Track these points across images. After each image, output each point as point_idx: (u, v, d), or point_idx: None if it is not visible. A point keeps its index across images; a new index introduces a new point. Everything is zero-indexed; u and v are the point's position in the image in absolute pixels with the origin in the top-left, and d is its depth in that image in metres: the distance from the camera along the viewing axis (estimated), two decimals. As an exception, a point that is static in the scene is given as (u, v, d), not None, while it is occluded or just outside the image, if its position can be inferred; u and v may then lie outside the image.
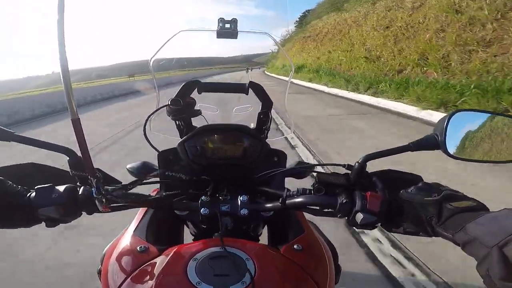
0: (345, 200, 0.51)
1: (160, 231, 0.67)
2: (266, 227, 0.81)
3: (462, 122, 0.57)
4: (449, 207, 0.44)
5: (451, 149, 0.55)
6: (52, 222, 0.52)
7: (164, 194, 0.68)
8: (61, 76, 0.38)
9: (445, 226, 0.44)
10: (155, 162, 0.77)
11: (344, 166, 0.60)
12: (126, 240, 0.63)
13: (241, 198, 0.62)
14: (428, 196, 0.47)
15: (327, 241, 0.73)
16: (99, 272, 0.65)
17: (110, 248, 0.64)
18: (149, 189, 0.75)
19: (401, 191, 0.51)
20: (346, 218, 0.52)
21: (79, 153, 0.46)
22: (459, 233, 0.42)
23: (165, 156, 0.70)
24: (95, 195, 0.49)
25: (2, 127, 0.54)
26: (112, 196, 0.49)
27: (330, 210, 0.54)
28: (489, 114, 0.61)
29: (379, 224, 0.52)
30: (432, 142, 0.54)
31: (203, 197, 0.61)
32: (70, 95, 0.39)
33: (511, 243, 0.35)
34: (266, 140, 0.75)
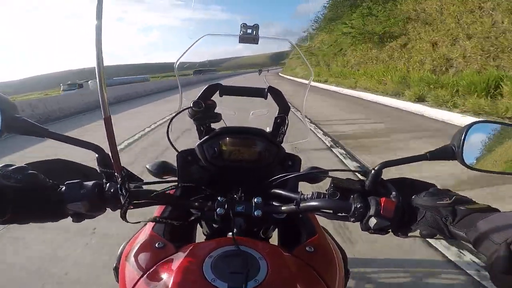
0: (359, 205, 0.52)
1: (176, 229, 0.69)
2: (276, 230, 0.82)
3: (480, 134, 0.58)
4: (462, 209, 0.46)
5: (468, 160, 0.55)
6: (78, 217, 0.54)
7: (182, 193, 0.70)
8: (97, 78, 0.41)
9: (459, 226, 0.45)
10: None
11: (359, 172, 0.60)
12: (144, 236, 0.65)
13: (255, 199, 0.63)
14: (440, 200, 0.48)
15: (338, 245, 0.74)
16: (116, 269, 0.67)
17: (128, 245, 0.66)
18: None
19: (414, 197, 0.52)
20: (360, 222, 0.53)
21: (106, 151, 0.48)
22: (470, 231, 0.43)
23: (183, 156, 0.73)
24: (120, 192, 0.51)
25: (38, 124, 0.57)
26: (136, 194, 0.51)
27: (344, 214, 0.55)
28: (507, 126, 0.61)
29: (391, 229, 0.52)
30: (449, 152, 0.55)
31: (219, 198, 0.63)
32: (104, 95, 0.42)
33: None
34: (282, 144, 0.77)
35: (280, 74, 39.79)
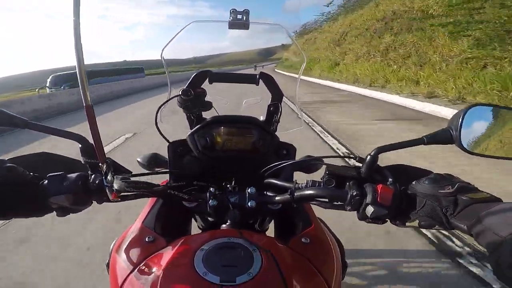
0: (355, 193, 0.50)
1: (168, 222, 0.68)
2: (272, 222, 0.81)
3: (477, 117, 0.56)
4: (464, 199, 0.44)
5: (466, 144, 0.54)
6: (63, 211, 0.52)
7: (173, 185, 0.68)
8: (76, 66, 0.39)
9: (460, 217, 0.44)
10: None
11: (354, 158, 0.59)
12: (134, 230, 0.63)
13: (249, 190, 0.62)
14: (442, 188, 0.46)
15: (335, 237, 0.72)
16: (108, 265, 0.66)
17: (119, 239, 0.64)
18: (159, 181, 0.76)
19: (414, 182, 0.50)
20: (356, 211, 0.52)
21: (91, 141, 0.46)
22: (472, 223, 0.41)
23: (175, 147, 0.71)
24: (105, 183, 0.49)
25: (17, 115, 0.54)
26: (122, 185, 0.49)
27: (339, 203, 0.53)
28: (505, 109, 0.60)
29: (389, 218, 0.51)
30: (447, 136, 0.53)
31: (211, 189, 0.61)
32: (84, 83, 0.40)
33: None
34: (276, 133, 0.75)
35: (276, 70, 37.91)
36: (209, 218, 0.73)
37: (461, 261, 1.71)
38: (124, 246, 0.59)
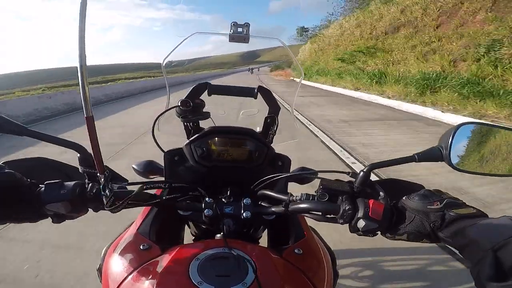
0: (348, 207, 0.52)
1: (163, 230, 0.68)
2: (266, 230, 0.82)
3: (467, 135, 0.58)
4: (451, 214, 0.46)
5: (456, 162, 0.55)
6: (58, 218, 0.52)
7: (168, 194, 0.69)
8: (78, 75, 0.40)
9: (446, 232, 0.45)
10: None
11: (348, 173, 0.60)
12: (129, 237, 0.63)
13: (244, 201, 0.63)
14: (431, 204, 0.48)
15: (326, 246, 0.74)
16: (99, 269, 0.65)
17: (112, 245, 0.64)
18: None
19: (404, 198, 0.52)
20: (348, 224, 0.53)
21: (89, 150, 0.46)
22: (458, 237, 0.43)
23: (171, 156, 0.71)
24: (103, 193, 0.49)
25: (15, 122, 0.54)
26: (119, 194, 0.50)
27: (332, 216, 0.55)
28: (494, 127, 0.62)
29: (380, 231, 0.52)
30: (437, 154, 0.55)
31: (207, 199, 0.62)
32: (86, 93, 0.40)
33: (505, 247, 0.37)
34: (272, 145, 0.76)
35: (273, 77, 32.76)
36: (203, 226, 0.73)
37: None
38: (118, 253, 0.59)
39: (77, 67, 0.40)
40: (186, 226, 0.83)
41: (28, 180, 0.51)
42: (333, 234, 1.90)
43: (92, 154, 0.45)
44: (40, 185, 0.52)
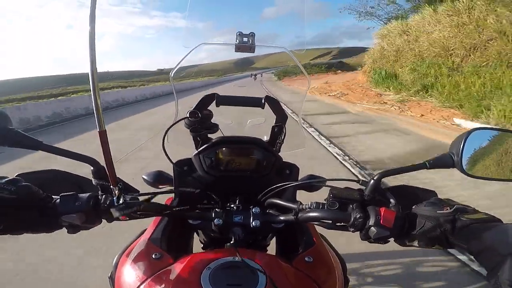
0: (358, 215, 0.51)
1: (173, 238, 0.68)
2: (274, 238, 0.81)
3: (478, 141, 0.57)
4: (463, 219, 0.45)
5: (467, 168, 0.55)
6: (73, 229, 0.53)
7: (179, 204, 0.69)
8: (91, 91, 0.41)
9: (460, 237, 0.45)
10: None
11: (358, 181, 0.60)
12: (140, 246, 0.64)
13: (253, 210, 0.63)
14: (441, 209, 0.48)
15: (336, 253, 0.73)
16: (111, 277, 0.66)
17: (124, 254, 0.65)
18: (164, 198, 0.77)
19: (414, 206, 0.51)
20: (359, 232, 0.53)
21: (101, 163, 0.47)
22: (473, 242, 0.43)
23: (180, 166, 0.72)
24: (116, 204, 0.50)
25: (31, 137, 0.56)
26: (132, 206, 0.51)
27: (343, 224, 0.54)
28: (506, 132, 0.61)
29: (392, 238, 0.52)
30: (448, 160, 0.55)
31: (216, 208, 0.62)
32: (98, 109, 0.41)
33: None
34: (280, 153, 0.76)
35: (286, 85, 24.57)
36: (212, 234, 0.74)
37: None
38: (130, 262, 0.60)
39: (89, 85, 0.41)
40: (195, 234, 0.83)
41: (44, 193, 0.52)
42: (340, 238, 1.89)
43: (105, 167, 0.45)
44: (54, 197, 0.53)
